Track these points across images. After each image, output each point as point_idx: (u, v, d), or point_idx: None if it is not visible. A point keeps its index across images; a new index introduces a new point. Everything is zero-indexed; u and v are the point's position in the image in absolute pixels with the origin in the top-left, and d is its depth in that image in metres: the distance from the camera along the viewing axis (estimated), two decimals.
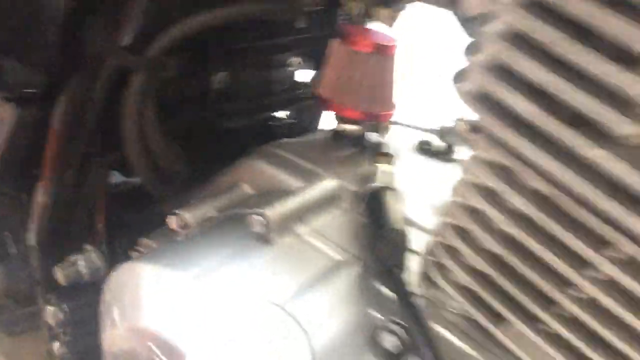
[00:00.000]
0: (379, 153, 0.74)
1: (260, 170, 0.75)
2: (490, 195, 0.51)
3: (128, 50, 0.63)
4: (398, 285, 0.56)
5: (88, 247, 0.82)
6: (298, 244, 0.63)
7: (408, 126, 0.89)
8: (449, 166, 0.86)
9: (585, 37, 0.38)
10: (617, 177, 0.40)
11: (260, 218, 0.61)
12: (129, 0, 0.63)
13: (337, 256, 0.62)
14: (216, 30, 0.70)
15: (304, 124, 0.96)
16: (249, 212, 0.63)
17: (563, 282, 0.49)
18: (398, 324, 0.55)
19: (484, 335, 0.56)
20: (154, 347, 0.53)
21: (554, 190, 0.46)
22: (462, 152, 0.88)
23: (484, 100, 0.45)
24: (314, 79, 0.88)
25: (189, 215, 0.70)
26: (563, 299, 0.49)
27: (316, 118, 0.98)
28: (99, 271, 0.81)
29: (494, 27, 0.42)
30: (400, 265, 0.58)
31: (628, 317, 0.45)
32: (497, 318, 0.55)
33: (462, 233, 0.54)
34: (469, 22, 0.57)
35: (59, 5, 0.61)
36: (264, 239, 0.62)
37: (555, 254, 0.48)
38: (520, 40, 0.41)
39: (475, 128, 0.74)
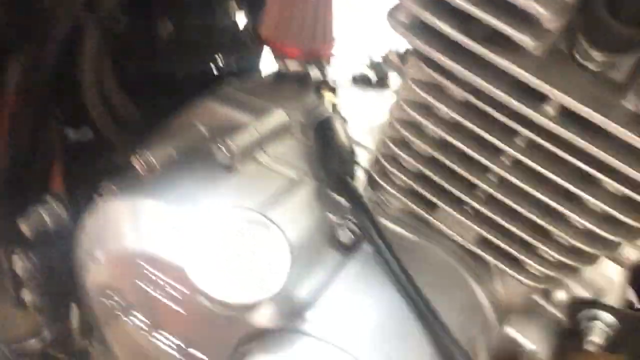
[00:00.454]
0: (323, 85, 0.82)
1: (213, 109, 0.82)
2: (423, 108, 0.61)
3: (82, 7, 0.67)
4: (350, 190, 0.66)
5: (49, 197, 0.86)
6: (259, 169, 0.71)
7: (345, 60, 0.97)
8: (381, 94, 0.96)
9: None
10: (524, 80, 0.51)
11: (224, 148, 0.68)
12: None
13: (295, 175, 0.71)
14: None
15: (245, 67, 1.02)
16: (213, 144, 0.70)
17: (482, 170, 0.60)
18: (351, 220, 0.65)
19: (420, 222, 0.68)
20: (145, 265, 0.60)
21: (473, 97, 0.56)
22: (393, 81, 0.98)
23: (416, 29, 0.54)
24: (255, 22, 0.93)
25: (153, 154, 0.76)
26: (482, 182, 0.60)
27: (257, 62, 1.04)
28: (61, 219, 0.85)
29: None
30: (351, 175, 0.68)
31: (529, 189, 0.58)
32: (430, 208, 0.67)
33: (402, 143, 0.65)
34: None
35: None
36: (228, 168, 0.69)
37: (476, 147, 0.59)
38: None
39: (403, 56, 0.85)
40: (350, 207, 0.67)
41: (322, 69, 0.88)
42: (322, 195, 0.69)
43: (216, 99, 0.83)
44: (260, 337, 0.55)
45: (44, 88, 0.73)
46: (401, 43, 0.87)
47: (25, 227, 0.83)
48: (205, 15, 0.86)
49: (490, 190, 0.61)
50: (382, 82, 0.97)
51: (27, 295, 0.89)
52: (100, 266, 0.69)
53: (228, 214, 0.55)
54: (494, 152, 0.59)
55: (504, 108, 0.55)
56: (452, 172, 0.62)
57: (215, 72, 0.96)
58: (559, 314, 0.71)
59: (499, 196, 0.60)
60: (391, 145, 0.64)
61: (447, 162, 0.62)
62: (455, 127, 0.60)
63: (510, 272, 0.65)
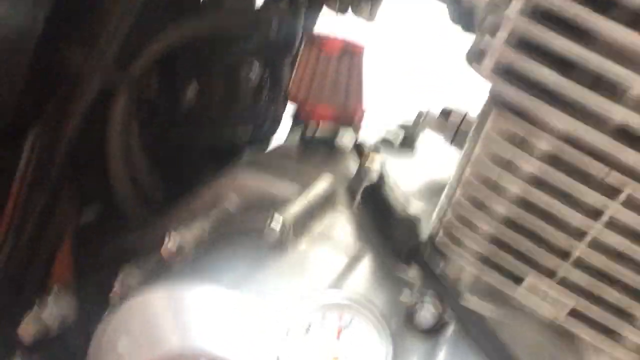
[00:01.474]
0: (363, 149, 0.77)
1: (245, 179, 0.74)
2: (504, 164, 0.55)
3: (114, 67, 0.60)
4: (423, 262, 0.59)
5: (57, 289, 0.75)
6: (313, 244, 0.63)
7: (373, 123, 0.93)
8: (412, 159, 0.91)
9: (601, 5, 0.44)
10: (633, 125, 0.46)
11: (274, 223, 0.61)
12: (106, 18, 0.60)
13: (355, 251, 0.63)
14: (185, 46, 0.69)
15: (265, 133, 0.96)
16: (258, 219, 0.62)
17: (577, 234, 0.54)
18: (431, 296, 0.57)
19: (501, 296, 0.60)
20: None
21: (568, 149, 0.51)
22: (424, 145, 0.93)
23: (505, 74, 0.49)
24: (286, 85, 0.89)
25: (186, 237, 0.67)
26: (579, 249, 0.54)
27: (276, 124, 0.98)
28: (68, 319, 0.75)
29: (514, 6, 0.46)
30: (420, 247, 0.61)
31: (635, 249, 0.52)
32: (513, 279, 0.59)
33: (477, 203, 0.58)
34: (465, 15, 0.62)
35: (30, 34, 0.57)
36: (279, 246, 0.61)
37: (569, 206, 0.53)
38: (539, 15, 0.46)
39: (441, 118, 0.80)
40: (424, 284, 0.59)
41: (355, 132, 0.83)
42: (389, 271, 0.61)
43: (247, 167, 0.76)
44: None
45: (61, 166, 0.65)
46: (429, 105, 0.85)
47: (24, 333, 0.72)
48: (229, 78, 0.81)
49: (585, 255, 0.54)
50: (407, 145, 0.92)
51: None
52: None
53: (317, 299, 0.46)
54: (590, 210, 0.53)
55: (604, 159, 0.50)
56: (539, 237, 0.56)
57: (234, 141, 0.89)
58: None
59: (593, 262, 0.54)
60: (468, 205, 0.58)
61: (533, 224, 0.55)
62: (542, 184, 0.54)
63: (607, 345, 0.57)
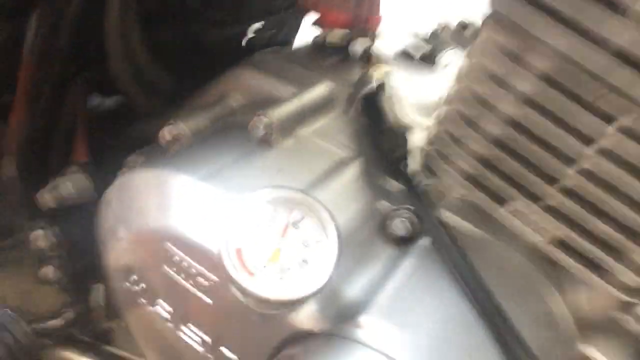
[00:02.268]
0: (371, 57, 0.73)
1: (250, 79, 0.74)
2: (496, 80, 0.52)
3: None
4: (405, 175, 0.58)
5: (73, 168, 0.80)
6: (300, 145, 0.63)
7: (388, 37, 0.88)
8: (432, 71, 0.87)
9: None
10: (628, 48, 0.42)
11: (263, 119, 0.61)
12: None
13: (341, 153, 0.63)
14: None
15: (283, 36, 0.94)
16: (249, 116, 0.62)
17: (568, 159, 0.51)
18: (408, 209, 0.56)
19: (484, 216, 0.59)
20: (172, 247, 0.53)
21: (565, 66, 0.47)
22: (445, 57, 0.88)
23: None
24: None
25: (184, 125, 0.69)
26: (569, 174, 0.51)
27: (295, 29, 0.95)
28: (86, 191, 0.79)
29: None
30: (404, 158, 0.60)
31: (623, 182, 0.49)
32: (498, 200, 0.58)
33: (467, 121, 0.56)
34: None
35: None
36: (266, 142, 0.62)
37: (562, 130, 0.50)
38: None
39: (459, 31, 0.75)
40: (404, 195, 0.58)
41: (368, 41, 0.79)
42: (373, 178, 0.61)
43: (252, 67, 0.75)
44: (304, 341, 0.48)
45: (64, 49, 0.66)
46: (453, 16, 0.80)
47: (48, 199, 0.78)
48: None
49: (575, 182, 0.52)
50: (428, 59, 0.87)
51: (49, 272, 0.84)
52: (124, 246, 0.63)
53: (269, 193, 0.47)
54: (583, 135, 0.50)
55: (601, 81, 0.46)
56: (528, 160, 0.54)
57: (249, 41, 0.87)
58: None
59: (586, 189, 0.51)
60: (458, 121, 0.56)
61: (523, 147, 0.53)
62: (535, 104, 0.51)
63: (596, 279, 0.56)
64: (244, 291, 0.44)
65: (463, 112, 0.55)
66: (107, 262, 0.67)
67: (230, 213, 0.46)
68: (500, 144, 0.54)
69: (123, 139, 0.89)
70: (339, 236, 0.45)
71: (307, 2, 0.76)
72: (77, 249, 0.81)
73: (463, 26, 0.74)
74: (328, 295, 0.46)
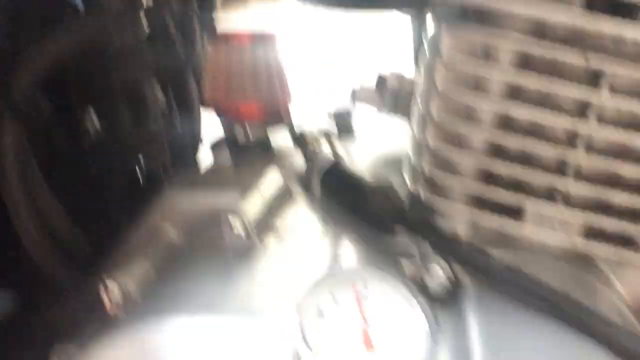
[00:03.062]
0: (305, 137, 0.68)
1: (183, 202, 0.63)
2: (471, 83, 0.49)
3: None
4: (425, 225, 0.51)
5: None
6: (283, 246, 0.54)
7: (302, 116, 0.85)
8: (355, 143, 0.84)
9: None
10: None
11: (234, 225, 0.50)
12: None
13: (328, 239, 0.54)
14: (74, 67, 0.58)
15: (188, 152, 0.86)
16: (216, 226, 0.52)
17: (569, 138, 0.49)
18: (438, 264, 0.48)
19: (507, 240, 0.53)
20: None
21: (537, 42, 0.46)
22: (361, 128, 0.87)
23: None
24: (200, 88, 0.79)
25: (129, 281, 0.55)
26: (575, 155, 0.49)
27: (197, 142, 0.87)
28: None
29: None
30: (404, 212, 0.53)
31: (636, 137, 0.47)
32: (512, 214, 0.53)
33: (454, 139, 0.52)
34: None
35: None
36: (246, 254, 0.51)
37: (554, 111, 0.48)
38: None
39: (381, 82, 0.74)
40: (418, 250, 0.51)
41: (289, 125, 0.74)
42: (376, 247, 0.53)
43: (180, 189, 0.65)
44: None
45: None
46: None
47: None
48: (134, 100, 0.70)
49: (584, 161, 0.49)
50: (347, 133, 0.85)
51: None
52: None
53: (314, 287, 0.36)
54: (575, 107, 0.48)
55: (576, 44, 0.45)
56: (529, 157, 0.50)
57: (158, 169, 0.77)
58: None
59: (597, 163, 0.49)
60: (443, 145, 0.51)
61: (519, 145, 0.50)
62: (518, 92, 0.49)
63: (629, 256, 0.52)
64: None
65: (447, 133, 0.51)
66: None
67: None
68: (495, 150, 0.51)
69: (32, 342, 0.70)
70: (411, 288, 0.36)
71: (213, 99, 0.70)
72: None
73: (382, 80, 0.73)
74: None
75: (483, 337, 0.42)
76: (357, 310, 0.35)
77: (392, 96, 0.73)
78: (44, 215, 0.54)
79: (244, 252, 0.50)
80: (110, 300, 0.54)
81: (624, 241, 0.52)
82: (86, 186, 0.65)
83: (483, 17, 0.47)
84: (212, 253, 0.52)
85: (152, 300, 0.48)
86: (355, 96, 0.78)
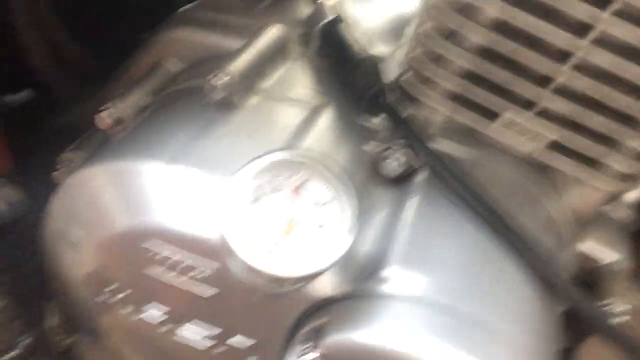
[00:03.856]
0: None
1: (185, 38, 0.65)
2: None
3: None
4: (389, 108, 0.52)
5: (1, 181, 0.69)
6: (265, 101, 0.56)
7: None
8: None
9: None
10: None
11: (222, 78, 0.52)
12: None
13: (311, 101, 0.56)
14: None
15: None
16: (205, 79, 0.54)
17: (561, 54, 0.48)
18: (398, 145, 0.51)
19: (474, 137, 0.55)
20: (156, 245, 0.45)
21: None
22: None
23: None
24: None
25: (123, 105, 0.60)
26: (563, 71, 0.48)
27: None
28: (19, 204, 0.70)
29: None
30: (382, 90, 0.54)
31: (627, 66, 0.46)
32: (489, 115, 0.54)
33: (447, 34, 0.51)
34: None
35: None
36: (227, 105, 0.54)
37: (552, 25, 0.47)
38: None
39: None
40: (390, 130, 0.53)
41: None
42: (352, 120, 0.55)
43: (184, 24, 0.66)
44: (327, 310, 0.42)
45: None
46: None
47: None
48: None
49: (570, 79, 0.48)
50: None
51: None
52: (86, 255, 0.53)
53: (259, 164, 0.40)
54: (576, 26, 0.46)
55: None
56: (518, 64, 0.50)
57: None
58: (629, 217, 0.61)
59: (581, 83, 0.48)
60: (436, 38, 0.50)
61: (511, 51, 0.49)
62: (520, 3, 0.47)
63: (589, 175, 0.54)
64: (259, 274, 0.37)
65: (441, 27, 0.50)
66: (65, 277, 0.58)
67: (225, 194, 0.38)
68: (485, 53, 0.50)
69: (45, 134, 0.78)
70: (352, 188, 0.39)
71: None
72: (19, 270, 0.72)
73: None
74: (345, 258, 0.41)
75: (413, 226, 0.46)
76: (289, 199, 0.39)
77: None
78: (52, 42, 0.56)
79: (223, 105, 0.53)
80: (106, 119, 0.60)
81: (587, 160, 0.54)
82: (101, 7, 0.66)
83: None
84: (196, 98, 0.55)
85: (134, 141, 0.52)
86: None
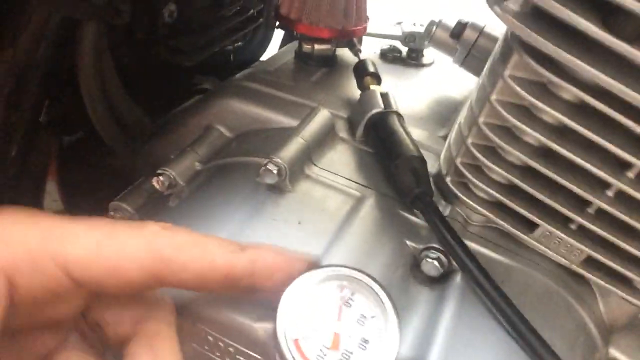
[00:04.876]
0: (368, 73, 0.69)
1: (234, 108, 0.68)
2: (523, 111, 0.50)
3: None
4: (432, 210, 0.55)
5: None
6: (312, 187, 0.59)
7: (374, 35, 0.84)
8: (418, 71, 0.83)
9: None
10: None
11: (277, 163, 0.56)
12: None
13: (357, 189, 0.59)
14: None
15: (253, 48, 0.88)
16: (254, 160, 0.57)
17: (603, 183, 0.50)
18: (435, 248, 0.54)
19: (507, 241, 0.58)
20: (206, 329, 0.48)
21: (591, 98, 0.45)
22: (430, 56, 0.85)
23: (530, 18, 0.42)
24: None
25: (176, 173, 0.63)
26: (603, 198, 0.50)
27: (266, 41, 0.89)
28: None
29: None
30: (428, 191, 0.57)
31: None
32: (527, 226, 0.56)
33: (489, 150, 0.54)
34: None
35: None
36: (278, 189, 0.57)
37: (597, 157, 0.49)
38: None
39: (455, 32, 0.72)
40: (429, 230, 0.56)
41: (355, 51, 0.74)
42: (394, 214, 0.58)
43: (234, 93, 0.69)
44: None
45: (35, 96, 0.58)
46: (444, 15, 0.75)
47: None
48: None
49: (609, 205, 0.51)
50: (415, 57, 0.83)
51: None
52: None
53: (319, 274, 0.42)
54: (617, 164, 0.49)
55: (632, 111, 0.45)
56: (559, 186, 0.52)
57: (217, 58, 0.80)
58: None
59: (619, 212, 0.51)
60: (480, 152, 0.53)
61: (553, 174, 0.51)
62: (563, 134, 0.49)
63: (620, 292, 0.56)
64: None
65: (486, 144, 0.53)
66: None
67: (283, 300, 0.41)
68: (527, 171, 0.53)
69: (94, 176, 0.82)
70: (395, 306, 0.42)
71: (287, 16, 0.70)
72: None
73: (461, 25, 0.69)
74: None
75: (451, 334, 0.49)
76: (336, 313, 0.42)
77: (464, 48, 0.71)
78: (116, 108, 0.60)
79: (274, 189, 0.56)
80: (160, 181, 0.63)
81: (621, 279, 0.56)
82: (158, 69, 0.70)
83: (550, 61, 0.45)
84: (248, 176, 0.58)
85: (186, 212, 0.56)
86: (430, 31, 0.75)
